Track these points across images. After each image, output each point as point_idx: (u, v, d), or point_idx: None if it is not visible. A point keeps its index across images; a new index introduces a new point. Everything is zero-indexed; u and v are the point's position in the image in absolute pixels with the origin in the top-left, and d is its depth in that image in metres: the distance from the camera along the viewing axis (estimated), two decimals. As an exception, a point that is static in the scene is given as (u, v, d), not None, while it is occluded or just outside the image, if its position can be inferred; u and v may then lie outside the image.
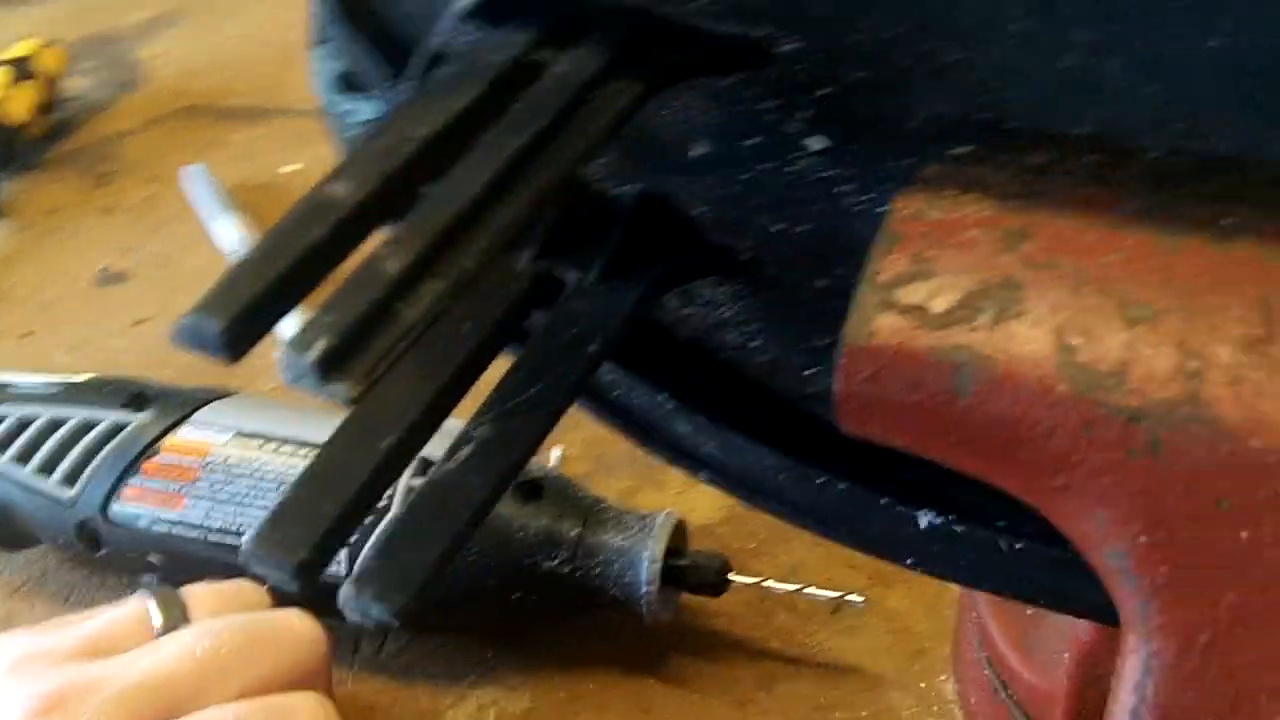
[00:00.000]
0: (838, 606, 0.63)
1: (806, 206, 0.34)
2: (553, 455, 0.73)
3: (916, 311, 0.28)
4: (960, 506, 0.37)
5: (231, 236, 0.93)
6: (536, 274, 0.36)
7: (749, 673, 0.62)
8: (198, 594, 0.57)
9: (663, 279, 0.36)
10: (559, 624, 0.63)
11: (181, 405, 0.67)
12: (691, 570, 0.61)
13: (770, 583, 0.61)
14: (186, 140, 1.10)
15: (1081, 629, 0.46)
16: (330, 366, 0.24)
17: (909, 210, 0.29)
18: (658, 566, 0.59)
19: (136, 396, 0.68)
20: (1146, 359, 0.26)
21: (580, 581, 0.60)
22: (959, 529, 0.37)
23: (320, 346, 0.24)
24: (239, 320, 0.24)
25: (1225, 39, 0.27)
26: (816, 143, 0.33)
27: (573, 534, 0.61)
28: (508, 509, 0.61)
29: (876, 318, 0.28)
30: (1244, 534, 0.25)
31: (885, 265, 0.28)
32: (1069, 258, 0.27)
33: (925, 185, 0.29)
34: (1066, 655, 0.47)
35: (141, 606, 0.55)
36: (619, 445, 0.73)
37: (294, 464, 0.63)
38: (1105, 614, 0.36)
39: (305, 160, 1.05)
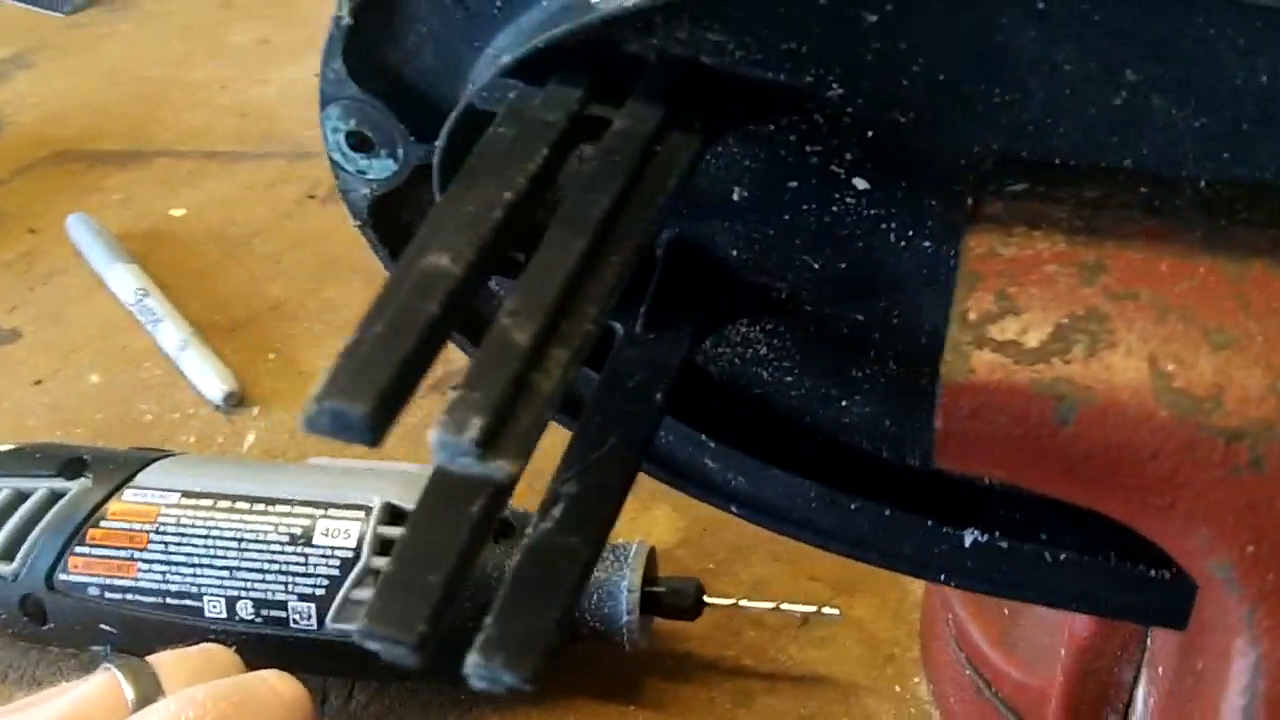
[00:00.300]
0: (806, 619, 0.65)
1: (848, 244, 0.35)
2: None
3: (1011, 347, 0.29)
4: (1004, 523, 0.38)
5: (129, 285, 0.89)
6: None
7: (726, 691, 0.63)
8: (168, 662, 0.55)
9: (706, 323, 0.36)
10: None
11: (120, 469, 0.65)
12: (668, 596, 0.61)
13: (744, 602, 0.62)
14: (59, 188, 1.05)
15: (1078, 625, 0.48)
16: (489, 445, 0.24)
17: (982, 249, 0.30)
18: (636, 596, 0.60)
19: (71, 463, 0.65)
20: (1239, 381, 0.27)
21: (557, 616, 0.60)
22: (1003, 545, 0.38)
23: (477, 425, 0.24)
24: (381, 405, 0.24)
25: (1271, 73, 0.29)
26: (861, 183, 0.34)
27: (547, 570, 0.60)
28: (484, 553, 0.60)
29: (973, 355, 0.29)
30: (1345, 539, 0.27)
31: (972, 304, 0.29)
32: (1147, 288, 0.29)
33: (992, 223, 0.30)
34: (1061, 651, 0.49)
35: (110, 680, 0.53)
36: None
37: (249, 521, 0.62)
38: (1133, 614, 0.38)
39: (189, 203, 1.02)
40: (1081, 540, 0.37)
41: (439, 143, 0.34)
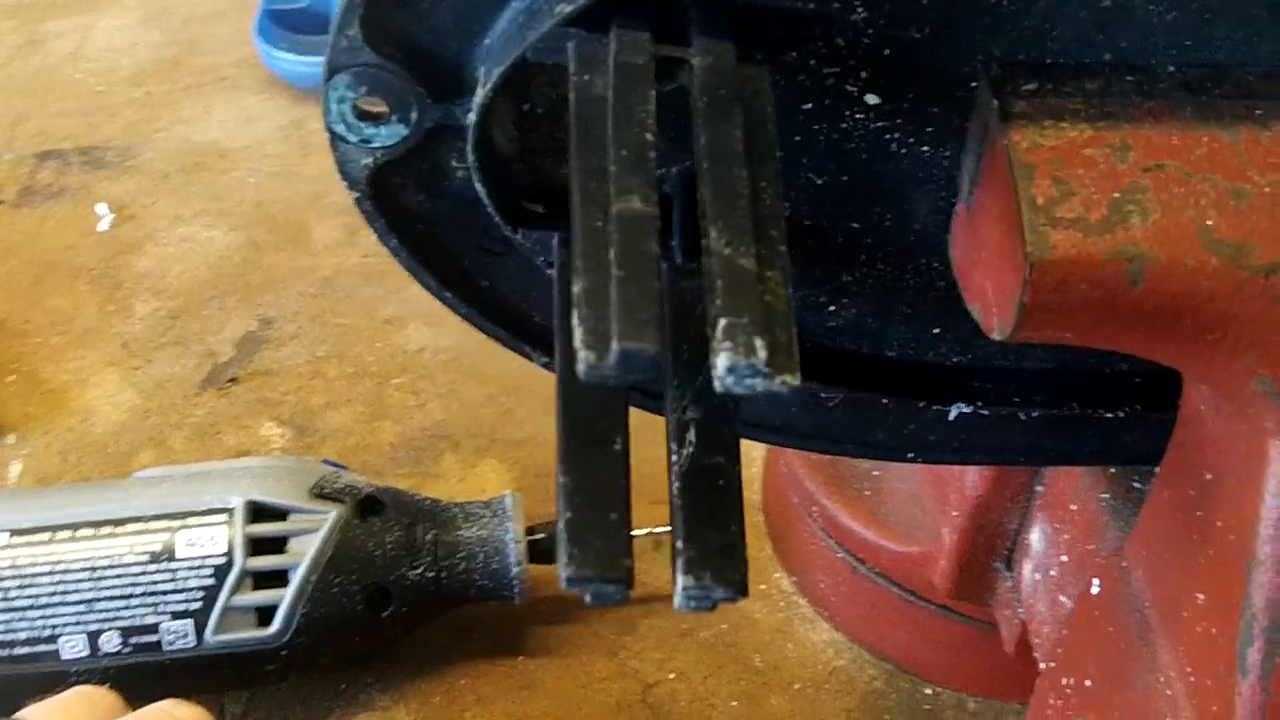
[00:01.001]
0: (659, 542, 0.68)
1: (852, 158, 0.38)
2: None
3: (1080, 223, 0.33)
4: (983, 393, 0.42)
5: None
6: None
7: (608, 624, 0.65)
8: (44, 715, 0.51)
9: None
10: (415, 634, 0.63)
11: (-78, 520, 0.58)
12: (550, 540, 0.62)
13: (615, 533, 0.64)
14: None
15: (970, 483, 0.54)
16: (779, 362, 0.26)
17: (1027, 142, 0.34)
18: (523, 545, 0.61)
19: None
20: (1263, 226, 0.33)
21: (446, 582, 0.60)
22: (985, 412, 0.42)
23: (763, 346, 0.25)
24: (663, 340, 0.25)
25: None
26: (873, 98, 0.37)
27: (429, 537, 0.60)
28: (355, 529, 0.59)
29: (1051, 234, 0.33)
30: (1361, 341, 0.33)
31: (1036, 191, 0.33)
32: (1169, 159, 0.34)
33: (1024, 119, 0.34)
34: (952, 512, 0.55)
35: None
36: (381, 451, 0.73)
37: (99, 547, 0.57)
38: (1098, 457, 0.44)
39: None
40: (1049, 397, 0.43)
41: (482, 97, 0.34)
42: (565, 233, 0.38)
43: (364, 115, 0.36)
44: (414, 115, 0.36)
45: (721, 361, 0.25)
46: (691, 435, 0.33)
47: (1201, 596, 0.37)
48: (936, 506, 0.57)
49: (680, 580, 0.30)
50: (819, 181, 0.39)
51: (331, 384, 0.77)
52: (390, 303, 0.84)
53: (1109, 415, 0.43)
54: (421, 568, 0.60)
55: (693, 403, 0.34)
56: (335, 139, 0.36)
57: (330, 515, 0.59)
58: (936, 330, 0.42)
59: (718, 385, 0.26)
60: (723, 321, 0.26)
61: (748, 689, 0.62)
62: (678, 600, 0.30)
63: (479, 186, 0.36)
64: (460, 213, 0.39)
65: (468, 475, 0.72)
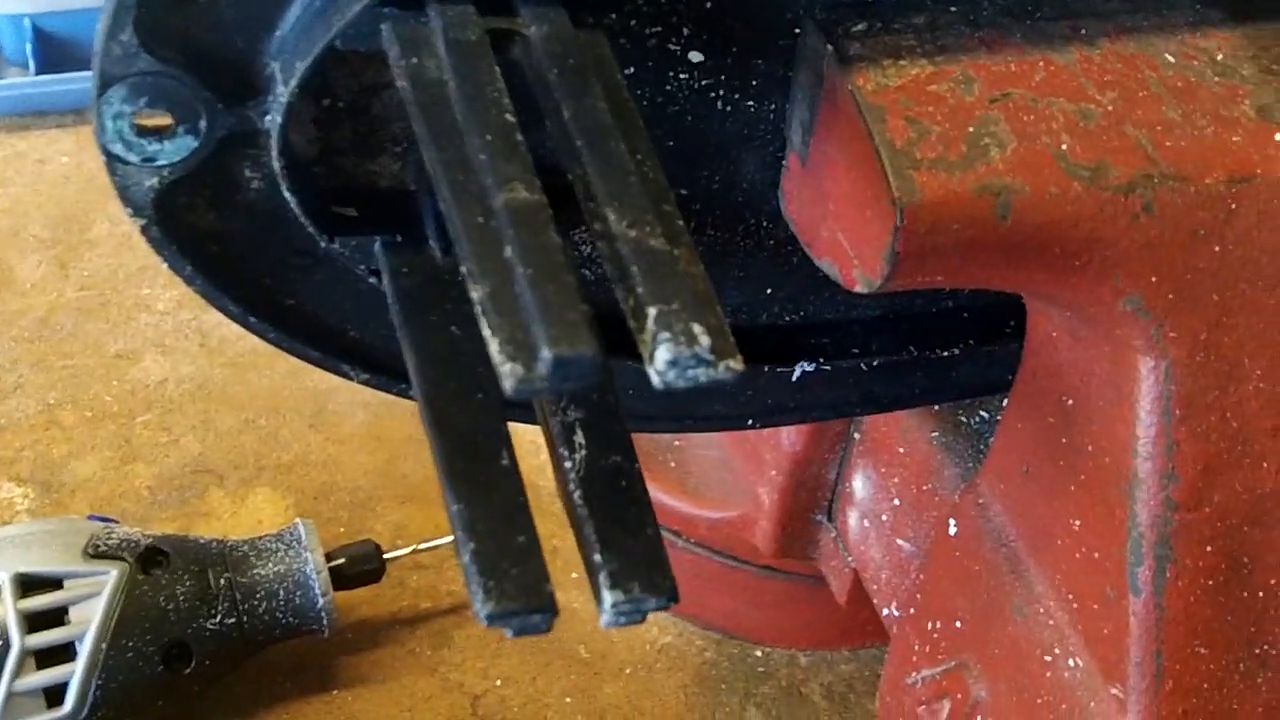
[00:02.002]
0: (425, 545, 0.64)
1: (677, 121, 0.36)
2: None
3: (941, 162, 0.32)
4: (823, 349, 0.41)
5: None
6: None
7: (421, 639, 0.61)
8: None
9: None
10: (220, 685, 0.57)
11: None
12: (352, 565, 0.58)
13: (422, 545, 0.61)
14: None
15: (788, 441, 0.53)
16: (721, 347, 0.23)
17: (871, 85, 0.32)
18: (326, 574, 0.56)
19: None
20: (1116, 145, 0.32)
21: (249, 625, 0.55)
22: (827, 368, 0.41)
23: (704, 332, 0.23)
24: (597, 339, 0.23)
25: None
26: (697, 56, 0.35)
27: (223, 582, 0.55)
28: (141, 586, 0.53)
29: (916, 177, 0.31)
30: (1215, 249, 0.33)
31: (892, 133, 0.32)
32: (1012, 88, 0.33)
33: (862, 61, 0.33)
34: (772, 471, 0.54)
35: None
36: (138, 496, 0.67)
37: None
38: (937, 395, 0.43)
39: None
40: (886, 344, 0.42)
41: (287, 94, 0.30)
42: (388, 235, 0.34)
43: (145, 131, 0.31)
44: (203, 124, 0.31)
45: (662, 355, 0.23)
46: (580, 437, 0.30)
47: (1077, 523, 0.37)
48: (750, 468, 0.56)
49: (608, 597, 0.27)
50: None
51: (70, 432, 0.69)
52: (118, 335, 0.76)
53: (943, 354, 0.42)
54: (220, 615, 0.54)
55: (573, 403, 0.31)
56: (113, 161, 0.31)
57: (111, 575, 0.53)
58: (769, 290, 0.41)
59: (656, 381, 0.23)
60: (652, 311, 0.23)
61: (579, 682, 0.60)
62: (606, 618, 0.28)
63: (287, 195, 0.32)
64: (258, 228, 0.34)
65: (239, 509, 0.66)
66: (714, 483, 0.59)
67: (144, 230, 0.33)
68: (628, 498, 0.29)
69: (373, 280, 0.35)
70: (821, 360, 0.41)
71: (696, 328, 0.23)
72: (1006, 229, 0.32)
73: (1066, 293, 0.34)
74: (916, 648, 0.45)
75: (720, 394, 0.42)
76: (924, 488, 0.48)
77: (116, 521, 0.58)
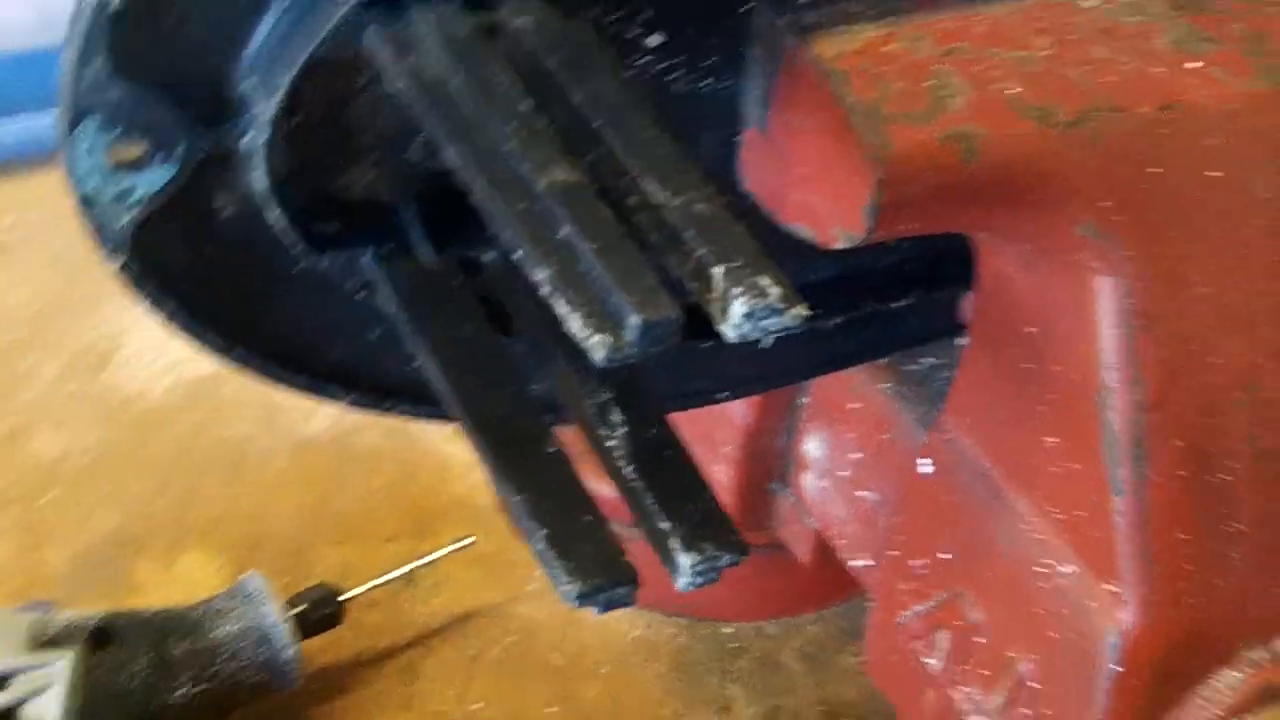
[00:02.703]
0: (411, 578, 0.64)
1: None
2: None
3: (907, 116, 0.34)
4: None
5: None
6: (458, 264, 0.35)
7: (388, 677, 0.61)
8: None
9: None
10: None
11: None
12: (313, 611, 0.58)
13: (376, 581, 0.60)
14: None
15: (739, 414, 0.55)
16: (789, 296, 0.25)
17: (832, 52, 0.35)
18: (289, 624, 0.56)
19: None
20: (1058, 86, 0.35)
21: (215, 691, 0.55)
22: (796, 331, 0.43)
23: (774, 283, 0.25)
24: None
25: None
26: (655, 39, 0.36)
27: (180, 651, 0.54)
28: (96, 670, 0.52)
29: (888, 132, 0.34)
30: (1154, 171, 0.36)
31: (858, 94, 0.34)
32: (959, 42, 0.36)
33: (818, 30, 0.35)
34: (725, 446, 0.56)
35: None
36: (56, 581, 0.65)
37: None
38: (884, 350, 0.46)
39: None
40: (846, 301, 0.44)
41: (273, 108, 0.31)
42: (379, 246, 0.35)
43: (119, 164, 0.31)
44: (180, 149, 0.32)
45: (738, 309, 0.24)
46: (616, 415, 0.31)
47: (1052, 440, 0.40)
48: (701, 449, 0.57)
49: (683, 560, 0.29)
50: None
51: (-30, 525, 0.67)
52: (5, 413, 0.74)
53: (895, 306, 0.45)
54: (183, 686, 0.54)
55: (597, 382, 0.32)
56: (86, 202, 0.31)
57: (62, 664, 0.52)
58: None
59: (732, 335, 0.25)
60: (719, 270, 0.25)
61: (559, 690, 0.60)
62: (684, 580, 0.29)
63: (277, 215, 0.33)
64: (232, 256, 0.35)
65: (170, 576, 0.65)
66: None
67: (122, 270, 0.33)
68: (676, 466, 0.31)
69: (361, 295, 0.36)
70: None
71: (764, 280, 0.25)
72: (973, 171, 0.34)
73: (1028, 225, 0.37)
74: (903, 588, 0.47)
75: (699, 369, 0.44)
76: (883, 437, 0.50)
77: (53, 605, 0.57)
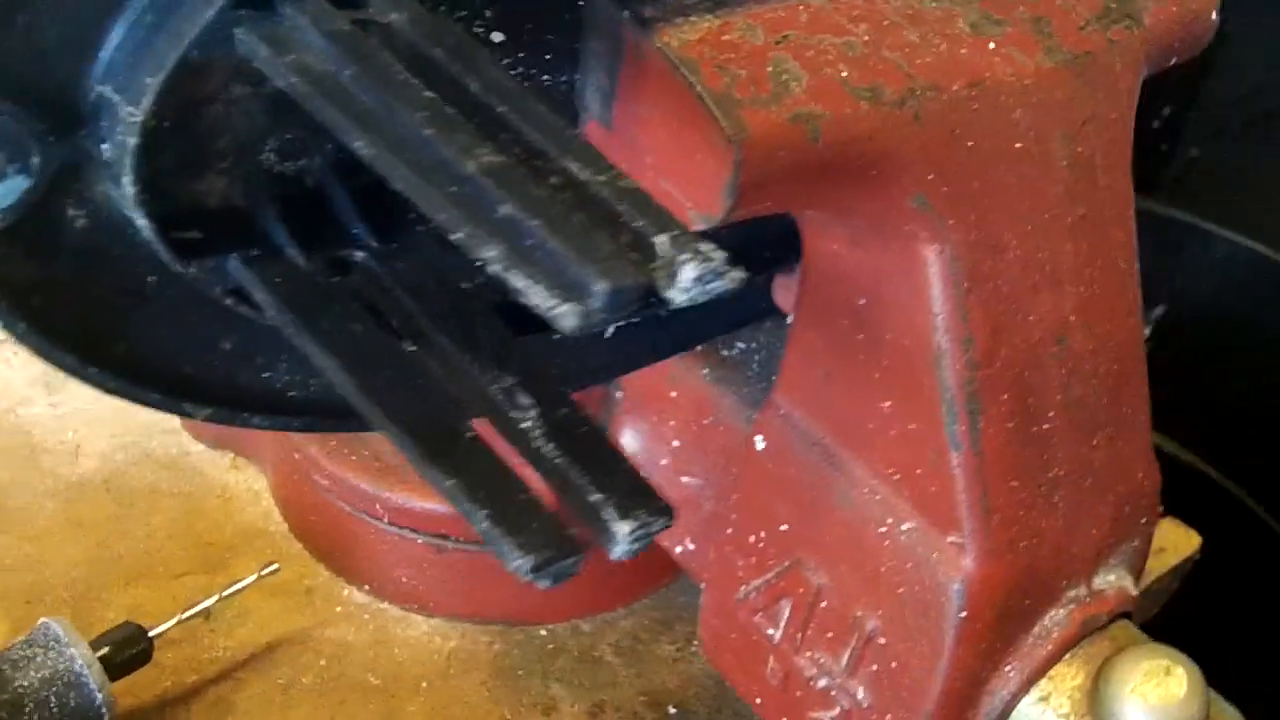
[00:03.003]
0: (209, 613, 0.62)
1: (483, 106, 0.37)
2: None
3: (756, 101, 0.35)
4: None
5: None
6: (327, 265, 0.34)
7: (201, 714, 0.58)
8: None
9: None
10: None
11: None
12: (120, 651, 0.55)
13: (183, 614, 0.58)
14: None
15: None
16: (728, 259, 0.26)
17: (677, 42, 0.36)
18: (99, 666, 0.53)
19: None
20: (881, 68, 0.37)
21: (23, 748, 0.51)
22: (637, 320, 0.44)
23: (712, 250, 0.25)
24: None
25: None
26: (499, 36, 0.36)
27: (-14, 709, 0.50)
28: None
29: (742, 116, 0.35)
30: (969, 144, 0.39)
31: (710, 82, 0.35)
32: (787, 30, 0.37)
33: (661, 23, 0.36)
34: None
35: None
36: None
37: None
38: (711, 334, 0.48)
39: None
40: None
41: (144, 112, 0.29)
42: (243, 250, 0.34)
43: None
44: (35, 160, 0.30)
45: (688, 273, 0.25)
46: (523, 398, 0.31)
47: (887, 404, 0.42)
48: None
49: (621, 528, 0.29)
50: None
51: None
52: None
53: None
54: (-7, 744, 0.50)
55: (498, 369, 0.32)
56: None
57: None
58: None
59: (680, 299, 0.25)
60: (663, 239, 0.25)
61: (380, 709, 0.59)
62: (621, 549, 0.29)
63: (146, 223, 0.31)
64: (82, 271, 0.33)
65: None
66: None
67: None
68: (594, 440, 0.31)
69: (228, 302, 0.34)
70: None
71: (704, 246, 0.25)
72: (818, 150, 0.36)
73: (865, 201, 0.39)
74: (740, 563, 0.49)
75: (556, 359, 0.44)
76: (705, 423, 0.51)
77: None
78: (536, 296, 0.24)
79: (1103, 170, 0.42)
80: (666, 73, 0.35)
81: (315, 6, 0.29)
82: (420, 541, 0.61)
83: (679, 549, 0.55)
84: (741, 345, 0.53)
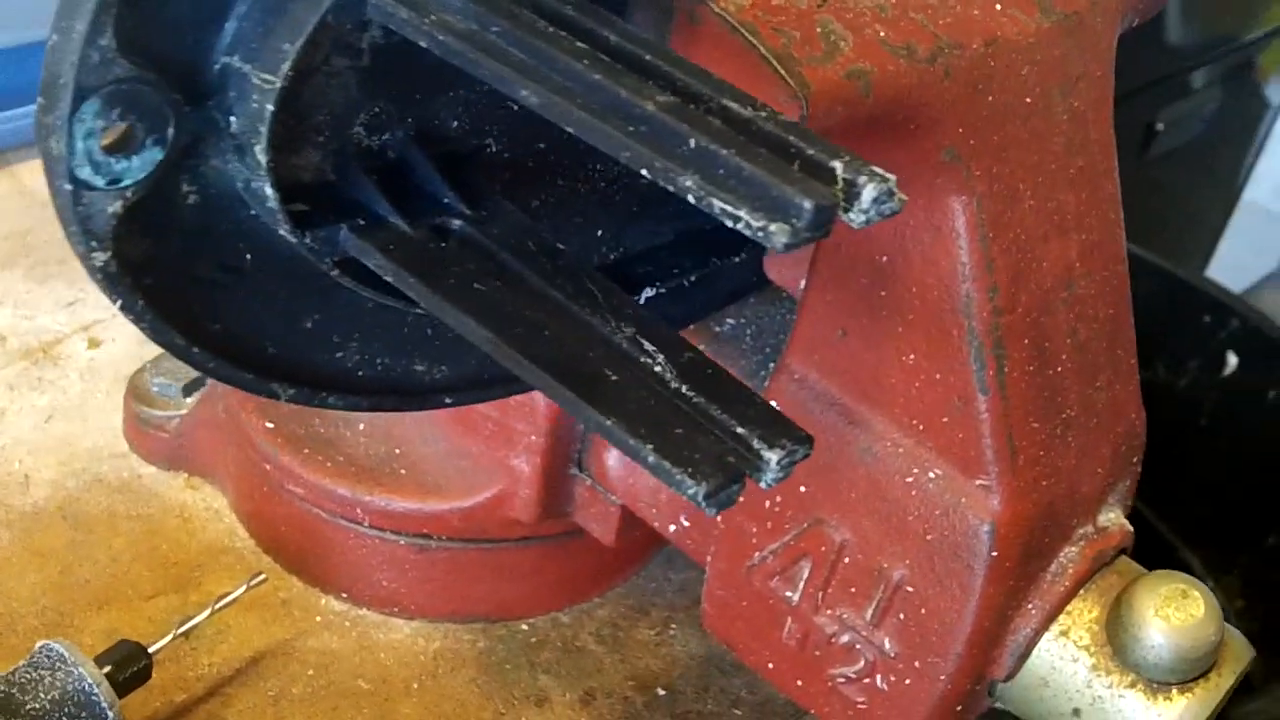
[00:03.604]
0: (185, 626, 0.60)
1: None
2: None
3: (813, 59, 0.37)
4: (656, 275, 0.45)
5: None
6: (431, 232, 0.34)
7: (192, 733, 0.57)
8: None
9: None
10: None
11: None
12: (124, 668, 0.53)
13: (179, 629, 0.56)
14: None
15: (542, 401, 0.55)
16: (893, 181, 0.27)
17: (734, 6, 0.37)
18: (106, 684, 0.51)
19: None
20: (910, 28, 0.40)
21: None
22: (664, 290, 0.45)
23: (884, 171, 0.27)
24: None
25: None
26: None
27: (-9, 734, 0.48)
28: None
29: (804, 73, 0.36)
30: (990, 98, 0.41)
31: (771, 42, 0.37)
32: (827, -3, 0.39)
33: (712, -9, 0.38)
34: (531, 436, 0.56)
35: None
36: None
37: None
38: (716, 306, 0.49)
39: None
40: (696, 260, 0.46)
41: (282, 79, 0.29)
42: (351, 220, 0.34)
43: (110, 148, 0.29)
44: (170, 131, 0.30)
45: (869, 194, 0.26)
46: (648, 345, 0.32)
47: (911, 356, 0.44)
48: (496, 444, 0.58)
49: (771, 456, 0.30)
50: (515, 109, 0.38)
51: None
52: None
53: (734, 260, 0.48)
54: (-1, 772, 0.48)
55: (617, 320, 0.33)
56: (79, 190, 0.29)
57: None
58: (600, 232, 0.44)
59: (860, 220, 0.26)
60: (839, 164, 0.26)
61: (374, 713, 0.58)
62: (771, 476, 0.30)
63: (272, 193, 0.31)
64: (188, 249, 0.33)
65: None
66: (454, 473, 0.60)
67: (101, 270, 0.30)
68: (724, 379, 0.32)
69: (335, 274, 0.34)
70: (659, 284, 0.45)
71: (876, 169, 0.27)
72: (869, 105, 0.38)
73: (902, 152, 0.41)
74: (754, 530, 0.50)
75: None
76: (706, 397, 0.52)
77: None
78: (743, 220, 0.25)
79: (1093, 125, 0.45)
80: (724, 36, 0.37)
81: (430, -38, 0.30)
82: (403, 543, 0.61)
83: (673, 527, 0.56)
84: (732, 321, 0.54)
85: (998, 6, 0.42)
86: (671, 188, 0.26)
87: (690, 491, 0.28)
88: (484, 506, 0.59)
